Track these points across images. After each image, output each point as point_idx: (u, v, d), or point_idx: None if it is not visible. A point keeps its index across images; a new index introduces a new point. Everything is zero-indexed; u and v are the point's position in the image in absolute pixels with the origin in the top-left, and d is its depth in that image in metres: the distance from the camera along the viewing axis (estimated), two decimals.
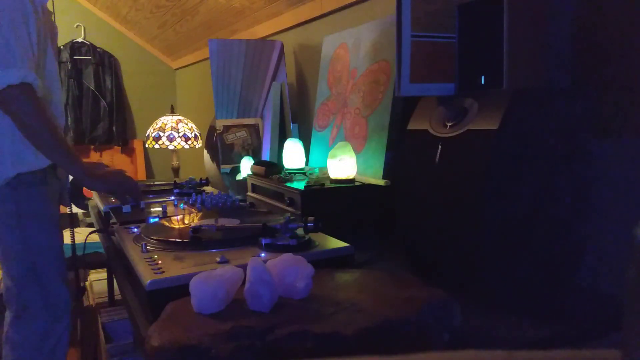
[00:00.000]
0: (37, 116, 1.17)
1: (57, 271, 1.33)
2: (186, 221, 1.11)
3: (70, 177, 1.46)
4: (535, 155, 0.74)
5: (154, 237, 0.93)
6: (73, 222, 1.51)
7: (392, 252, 1.03)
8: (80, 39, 3.48)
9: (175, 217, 1.16)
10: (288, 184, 1.20)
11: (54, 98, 1.34)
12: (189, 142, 2.64)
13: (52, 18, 1.41)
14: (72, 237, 1.42)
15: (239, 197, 1.51)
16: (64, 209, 1.49)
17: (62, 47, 3.38)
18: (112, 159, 3.67)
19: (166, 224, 1.09)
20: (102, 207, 1.45)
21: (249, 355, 0.54)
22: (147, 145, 2.70)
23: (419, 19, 0.79)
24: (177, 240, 0.92)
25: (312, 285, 0.66)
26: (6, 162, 1.25)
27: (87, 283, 2.30)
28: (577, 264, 0.82)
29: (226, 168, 1.77)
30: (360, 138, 1.27)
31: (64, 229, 1.44)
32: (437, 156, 0.80)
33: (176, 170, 2.68)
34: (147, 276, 0.74)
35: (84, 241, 1.37)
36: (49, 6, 1.38)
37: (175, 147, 2.61)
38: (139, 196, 1.36)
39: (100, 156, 3.64)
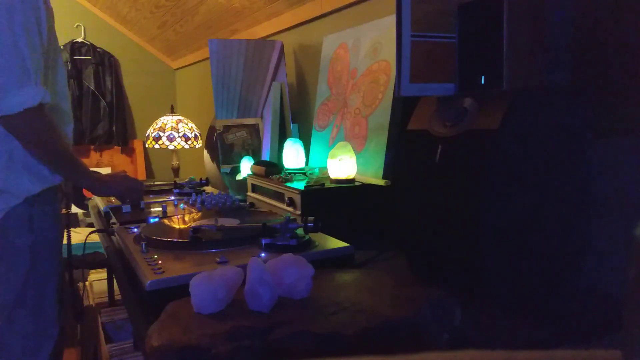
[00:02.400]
0: (50, 138, 1.12)
1: (54, 289, 1.25)
2: (186, 221, 1.11)
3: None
4: (536, 155, 0.74)
5: (154, 237, 0.93)
6: (70, 221, 1.49)
7: (392, 252, 1.03)
8: (80, 39, 3.48)
9: (175, 217, 1.16)
10: (288, 184, 1.20)
11: (62, 101, 1.27)
12: (189, 142, 2.64)
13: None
14: (69, 237, 1.39)
15: (239, 197, 1.51)
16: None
17: (62, 47, 3.38)
18: (112, 159, 3.67)
19: (166, 224, 1.09)
20: (102, 207, 1.45)
21: (249, 355, 0.54)
22: (147, 145, 2.70)
23: (419, 19, 0.79)
24: (177, 240, 0.92)
25: (312, 285, 0.66)
26: (22, 180, 1.17)
27: (87, 283, 2.30)
28: (577, 264, 0.82)
29: (226, 168, 1.77)
30: (360, 138, 1.27)
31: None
32: (437, 156, 0.80)
33: (176, 170, 2.68)
34: (147, 276, 0.74)
35: (84, 241, 1.37)
36: (55, 4, 1.30)
37: (175, 147, 2.61)
38: (141, 197, 1.36)
39: (100, 156, 3.64)
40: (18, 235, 1.18)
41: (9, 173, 1.16)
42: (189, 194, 1.54)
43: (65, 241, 1.36)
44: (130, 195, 1.33)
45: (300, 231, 0.90)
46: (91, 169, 1.31)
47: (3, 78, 1.03)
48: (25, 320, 1.20)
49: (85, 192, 1.91)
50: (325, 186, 1.15)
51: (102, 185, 1.27)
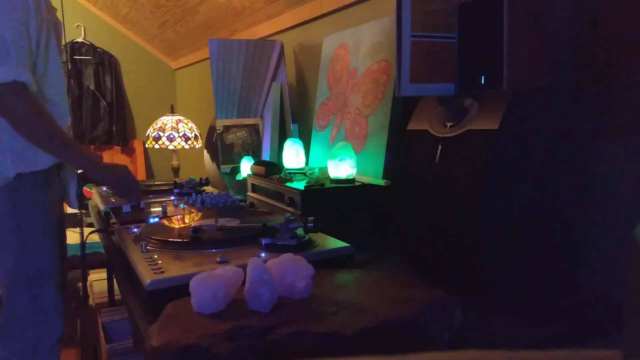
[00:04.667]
0: (31, 112, 1.14)
1: (51, 278, 1.26)
2: (186, 221, 1.11)
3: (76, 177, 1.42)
4: (535, 155, 0.74)
5: (154, 237, 0.93)
6: (81, 222, 1.49)
7: (392, 252, 1.03)
8: (80, 39, 3.48)
9: (175, 217, 1.16)
10: (288, 184, 1.20)
11: (57, 97, 1.29)
12: (189, 142, 2.64)
13: (58, 14, 1.36)
14: (82, 237, 1.39)
15: (239, 197, 1.51)
16: (64, 210, 1.47)
17: (62, 47, 3.38)
18: (112, 159, 3.67)
19: (166, 224, 1.09)
20: (102, 207, 1.45)
21: (249, 355, 0.54)
22: (147, 145, 2.70)
23: (419, 19, 0.79)
24: (177, 240, 0.92)
25: (312, 285, 0.66)
26: (5, 162, 1.19)
27: (86, 283, 2.30)
28: (577, 264, 0.82)
29: (226, 168, 1.77)
30: (360, 138, 1.27)
31: (69, 228, 1.42)
32: (437, 156, 0.80)
33: (176, 170, 2.68)
34: (147, 276, 0.74)
35: (84, 241, 1.37)
36: (55, 4, 1.33)
37: (175, 147, 2.61)
38: (140, 196, 1.35)
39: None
40: (3, 219, 1.20)
41: None
42: (189, 194, 1.54)
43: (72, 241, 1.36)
44: (123, 188, 1.31)
45: (300, 231, 0.90)
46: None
47: None
48: (23, 309, 1.22)
49: (85, 192, 1.90)
50: (325, 186, 1.15)
51: (97, 169, 1.25)
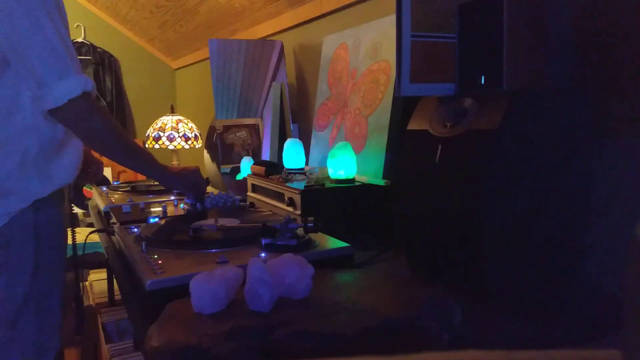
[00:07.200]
0: (107, 128, 1.07)
1: (59, 296, 1.19)
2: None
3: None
4: (535, 155, 0.74)
5: (154, 237, 0.93)
6: (74, 222, 1.48)
7: (392, 252, 1.03)
8: (80, 39, 3.48)
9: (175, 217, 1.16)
10: (288, 184, 1.20)
11: None
12: (189, 142, 2.64)
13: None
14: (74, 237, 1.37)
15: (239, 197, 1.51)
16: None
17: None
18: None
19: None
20: (102, 207, 1.45)
21: (249, 355, 0.54)
22: (147, 145, 2.70)
23: (419, 19, 0.79)
24: (177, 240, 0.92)
25: (312, 285, 0.66)
26: (32, 181, 1.09)
27: (87, 284, 2.30)
28: (577, 264, 0.82)
29: (226, 168, 1.77)
30: (360, 138, 1.27)
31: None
32: (437, 156, 0.80)
33: None
34: (147, 276, 0.74)
35: (84, 241, 1.37)
36: None
37: (175, 147, 2.61)
38: (204, 199, 1.30)
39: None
40: (22, 243, 1.11)
41: (20, 175, 1.09)
42: None
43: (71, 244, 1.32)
44: (197, 193, 1.27)
45: (300, 231, 0.90)
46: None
47: (42, 72, 1.00)
48: (26, 331, 1.14)
49: (85, 192, 1.90)
50: (325, 186, 1.15)
51: (172, 179, 1.21)
